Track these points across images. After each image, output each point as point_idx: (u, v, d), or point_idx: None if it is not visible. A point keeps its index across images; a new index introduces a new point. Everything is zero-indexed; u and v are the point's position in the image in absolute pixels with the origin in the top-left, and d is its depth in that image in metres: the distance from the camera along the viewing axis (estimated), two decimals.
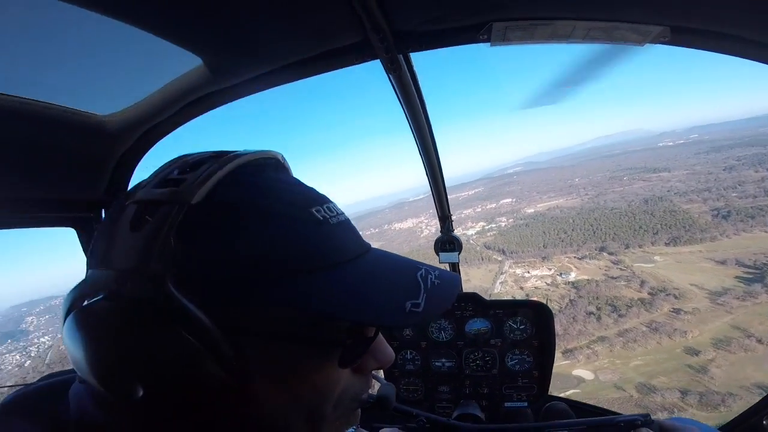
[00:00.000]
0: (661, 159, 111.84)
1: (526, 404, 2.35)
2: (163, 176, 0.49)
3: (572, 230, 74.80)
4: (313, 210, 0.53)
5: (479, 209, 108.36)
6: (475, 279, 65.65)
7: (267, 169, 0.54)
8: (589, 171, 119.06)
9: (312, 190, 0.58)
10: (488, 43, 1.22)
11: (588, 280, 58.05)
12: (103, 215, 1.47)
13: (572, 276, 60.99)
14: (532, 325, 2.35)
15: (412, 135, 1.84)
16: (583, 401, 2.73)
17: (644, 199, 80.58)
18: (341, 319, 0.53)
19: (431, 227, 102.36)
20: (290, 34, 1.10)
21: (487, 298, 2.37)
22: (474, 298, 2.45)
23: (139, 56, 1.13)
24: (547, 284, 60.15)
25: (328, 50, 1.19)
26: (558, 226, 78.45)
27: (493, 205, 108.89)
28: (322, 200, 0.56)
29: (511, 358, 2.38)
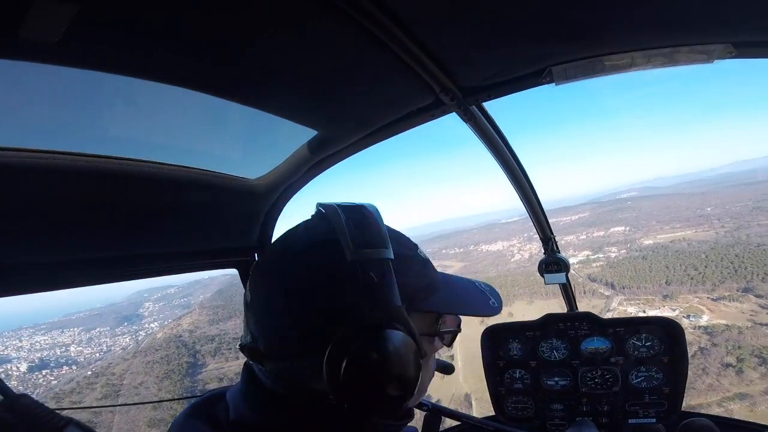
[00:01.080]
0: None
1: (654, 420, 2.29)
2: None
3: (705, 267, 62.00)
4: (419, 252, 0.84)
5: (583, 236, 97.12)
6: None
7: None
8: (725, 200, 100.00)
9: (404, 235, 0.86)
10: (553, 84, 1.35)
11: (727, 325, 47.19)
12: (256, 257, 1.85)
13: (704, 319, 50.48)
14: (660, 342, 2.31)
15: (503, 170, 1.96)
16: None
17: None
18: (462, 314, 0.89)
19: (524, 252, 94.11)
20: (377, 104, 1.39)
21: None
22: (589, 317, 2.46)
23: (274, 132, 1.53)
24: None
25: (409, 112, 1.45)
26: (686, 261, 65.69)
27: (601, 233, 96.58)
28: (415, 243, 0.86)
29: (637, 375, 2.35)
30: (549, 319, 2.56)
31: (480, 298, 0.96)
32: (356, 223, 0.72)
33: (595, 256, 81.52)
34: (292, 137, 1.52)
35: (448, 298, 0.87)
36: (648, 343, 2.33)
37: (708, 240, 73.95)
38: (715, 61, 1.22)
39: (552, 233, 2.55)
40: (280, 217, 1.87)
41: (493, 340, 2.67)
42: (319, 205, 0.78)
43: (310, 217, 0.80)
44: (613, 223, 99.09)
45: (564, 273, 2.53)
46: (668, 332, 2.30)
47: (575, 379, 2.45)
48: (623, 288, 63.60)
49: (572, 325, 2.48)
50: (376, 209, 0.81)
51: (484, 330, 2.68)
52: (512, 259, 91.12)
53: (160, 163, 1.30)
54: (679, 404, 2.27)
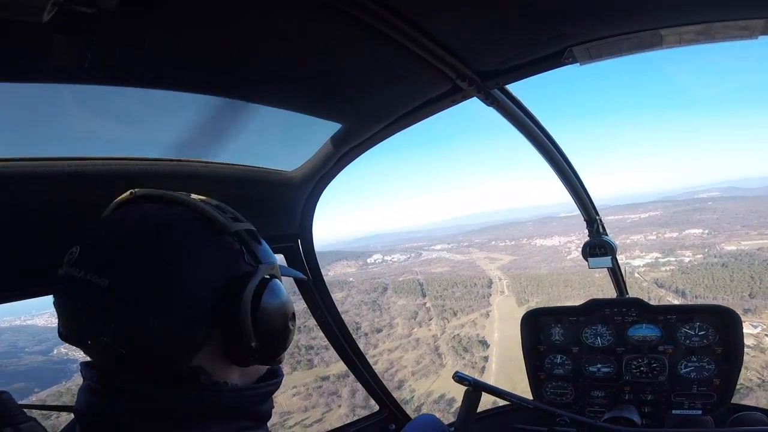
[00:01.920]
0: None
1: (700, 411, 2.24)
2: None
3: None
4: None
5: (653, 236, 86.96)
6: None
7: None
8: None
9: None
10: (578, 64, 1.31)
11: None
12: (299, 243, 2.10)
13: None
14: (715, 331, 2.26)
15: (537, 151, 1.96)
16: None
17: None
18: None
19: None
20: (394, 95, 1.47)
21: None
22: (638, 303, 2.44)
23: (305, 128, 1.66)
24: (748, 346, 42.30)
25: (428, 99, 1.51)
26: None
27: (674, 234, 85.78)
28: None
29: (686, 365, 2.31)
30: (594, 305, 2.51)
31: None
32: (214, 206, 0.84)
33: (666, 259, 72.36)
34: (320, 131, 1.66)
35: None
36: (701, 332, 2.28)
37: None
38: (760, 36, 1.16)
39: (598, 214, 2.48)
40: (318, 204, 2.01)
41: (534, 324, 2.65)
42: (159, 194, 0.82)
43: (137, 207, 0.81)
44: (690, 225, 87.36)
45: (610, 257, 2.42)
46: (724, 321, 2.24)
47: (619, 367, 2.42)
48: (696, 297, 55.37)
49: (619, 311, 2.43)
50: None
51: (525, 314, 2.69)
52: (568, 256, 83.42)
53: (206, 162, 1.48)
54: (729, 397, 2.24)
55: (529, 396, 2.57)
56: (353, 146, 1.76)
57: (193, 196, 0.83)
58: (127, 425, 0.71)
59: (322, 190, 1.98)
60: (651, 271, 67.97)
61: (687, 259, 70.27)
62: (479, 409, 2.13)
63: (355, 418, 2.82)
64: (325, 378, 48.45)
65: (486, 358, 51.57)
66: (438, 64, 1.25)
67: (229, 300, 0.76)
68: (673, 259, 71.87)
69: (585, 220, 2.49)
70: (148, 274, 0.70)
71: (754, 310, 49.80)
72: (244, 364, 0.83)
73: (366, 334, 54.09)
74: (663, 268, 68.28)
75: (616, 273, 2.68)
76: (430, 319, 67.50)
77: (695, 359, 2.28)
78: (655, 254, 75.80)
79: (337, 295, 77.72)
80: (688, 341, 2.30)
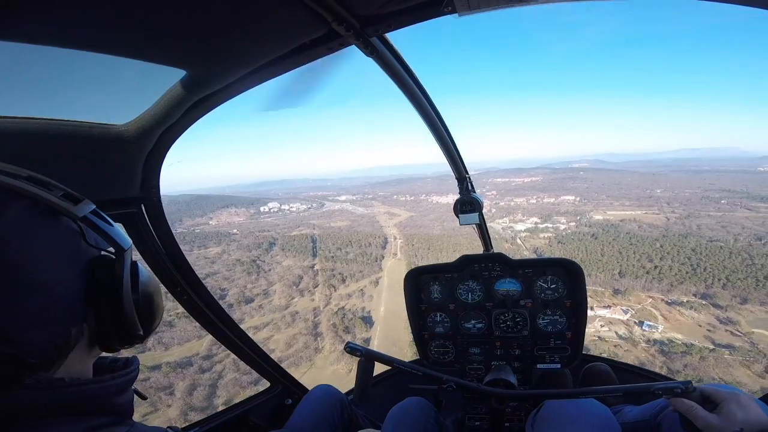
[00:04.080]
0: (764, 185, 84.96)
1: (559, 366, 2.31)
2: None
3: (660, 258, 53.86)
4: None
5: (534, 201, 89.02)
6: None
7: None
8: (674, 184, 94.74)
9: None
10: (456, 15, 1.22)
11: (685, 344, 38.44)
12: (143, 208, 1.71)
13: (658, 331, 41.57)
14: (563, 284, 2.29)
15: (413, 106, 1.83)
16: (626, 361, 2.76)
17: (757, 235, 57.28)
18: None
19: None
20: (258, 38, 1.19)
21: None
22: (501, 258, 2.41)
23: (137, 76, 1.32)
24: (619, 336, 41.23)
25: (299, 46, 1.26)
26: (640, 249, 57.52)
27: (552, 200, 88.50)
28: None
29: (543, 318, 2.34)
30: (465, 260, 2.48)
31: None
32: (35, 181, 0.68)
33: (544, 225, 73.01)
34: (158, 79, 1.35)
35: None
36: (553, 285, 2.32)
37: (658, 225, 67.07)
38: None
39: (467, 172, 2.42)
40: (164, 163, 1.69)
41: (415, 283, 2.59)
42: None
43: None
44: (564, 191, 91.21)
45: (477, 213, 2.42)
46: (570, 274, 2.27)
47: (490, 322, 2.44)
48: None
49: (486, 266, 2.44)
50: None
51: (407, 273, 2.59)
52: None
53: (13, 118, 1.20)
54: (580, 349, 2.28)
55: (416, 356, 2.74)
56: (204, 96, 1.41)
57: (10, 170, 0.65)
58: None
59: (169, 146, 1.62)
60: (531, 237, 67.92)
61: (562, 227, 71.43)
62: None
63: (247, 396, 2.50)
64: (155, 367, 36.02)
65: (368, 341, 43.42)
66: (311, 4, 1.06)
67: (102, 288, 0.70)
68: (551, 225, 72.79)
69: (456, 177, 2.43)
70: (1, 288, 0.58)
71: (624, 291, 50.19)
72: (115, 350, 0.79)
73: (231, 305, 43.11)
74: (542, 235, 68.55)
75: (482, 228, 2.66)
76: (316, 287, 59.63)
77: (550, 312, 2.33)
78: (535, 219, 77.06)
79: (211, 251, 65.76)
80: (543, 294, 2.34)
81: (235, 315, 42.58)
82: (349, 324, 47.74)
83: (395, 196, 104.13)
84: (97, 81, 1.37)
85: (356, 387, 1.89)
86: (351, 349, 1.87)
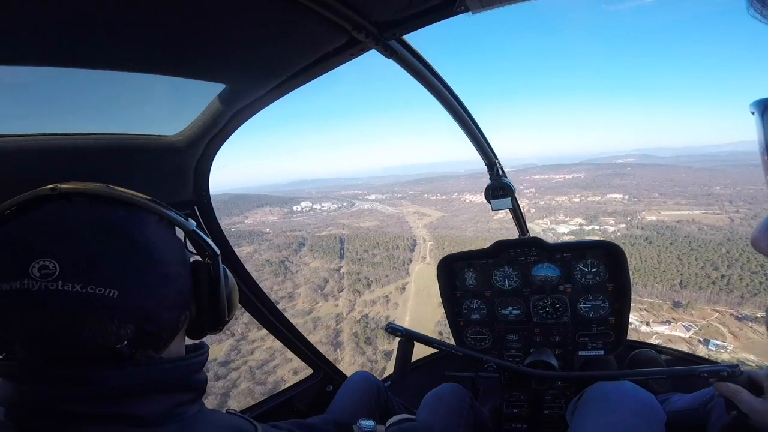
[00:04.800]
0: None
1: (602, 352, 2.24)
2: None
3: (727, 266, 46.75)
4: None
5: (577, 199, 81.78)
6: None
7: None
8: (735, 180, 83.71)
9: None
10: (470, 13, 1.25)
11: (759, 366, 31.85)
12: (197, 210, 1.86)
13: (727, 351, 35.61)
14: (605, 267, 2.22)
15: (437, 101, 1.87)
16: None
17: None
18: None
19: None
20: (285, 51, 1.29)
21: None
22: (537, 242, 2.36)
23: (184, 91, 1.47)
24: None
25: (323, 54, 1.35)
26: (703, 256, 50.29)
27: (597, 198, 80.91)
28: None
29: (584, 304, 2.27)
30: (500, 246, 2.44)
31: None
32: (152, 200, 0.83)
33: (590, 227, 66.55)
34: (202, 93, 1.49)
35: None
36: (594, 269, 2.25)
37: (722, 227, 58.91)
38: None
39: (496, 158, 2.39)
40: (212, 168, 1.84)
41: (449, 270, 2.56)
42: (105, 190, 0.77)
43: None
44: (611, 189, 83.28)
45: (510, 198, 2.39)
46: (612, 257, 2.20)
47: (528, 309, 2.39)
48: None
49: (522, 251, 2.39)
50: None
51: (441, 260, 2.57)
52: (495, 217, 75.41)
53: (76, 135, 1.31)
54: (624, 336, 2.21)
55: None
56: (244, 106, 1.56)
57: (125, 191, 0.79)
58: (70, 407, 0.67)
59: (215, 153, 1.77)
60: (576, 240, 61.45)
61: (611, 228, 64.89)
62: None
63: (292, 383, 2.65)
64: None
65: (388, 354, 39.68)
66: (332, 16, 1.13)
67: (204, 285, 0.85)
68: (597, 227, 66.17)
69: (486, 164, 2.41)
70: (149, 276, 0.72)
71: (686, 304, 43.83)
72: (201, 336, 0.92)
73: None
74: (588, 238, 61.79)
75: (516, 213, 2.60)
76: (340, 291, 56.96)
77: (591, 297, 2.25)
78: (579, 220, 70.80)
79: (244, 250, 64.22)
80: (583, 279, 2.26)
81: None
82: (371, 335, 44.50)
83: (426, 195, 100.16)
84: (149, 97, 1.51)
85: (396, 367, 1.93)
86: (392, 329, 1.91)
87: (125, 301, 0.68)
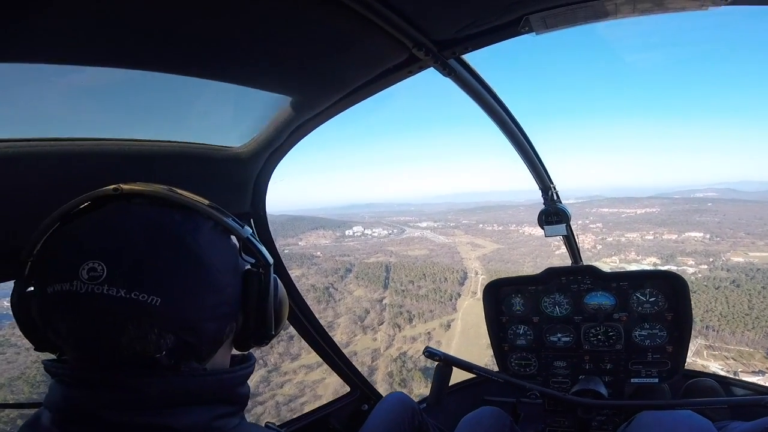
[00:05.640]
0: None
1: (657, 380, 2.19)
2: None
3: None
4: None
5: (650, 237, 73.62)
6: None
7: None
8: None
9: None
10: (534, 33, 1.25)
11: None
12: (252, 223, 1.85)
13: None
14: (664, 297, 2.18)
15: (493, 121, 1.84)
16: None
17: None
18: None
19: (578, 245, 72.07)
20: (348, 66, 1.30)
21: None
22: (591, 270, 2.33)
23: (251, 102, 1.47)
24: None
25: (385, 70, 1.36)
26: None
27: (674, 236, 71.99)
28: None
29: (640, 332, 2.22)
30: (551, 273, 2.40)
31: None
32: (219, 210, 0.80)
33: (666, 267, 57.82)
34: (268, 105, 1.48)
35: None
36: (652, 299, 2.20)
37: None
38: (710, 8, 1.12)
39: (552, 182, 2.32)
40: (270, 181, 1.82)
41: (495, 294, 2.52)
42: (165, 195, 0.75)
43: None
44: (690, 227, 73.56)
45: (564, 224, 2.31)
46: (673, 287, 2.15)
47: (578, 336, 2.32)
48: (707, 328, 41.44)
49: (575, 278, 2.33)
50: None
51: (487, 284, 2.54)
52: (557, 251, 69.52)
53: (142, 141, 1.32)
54: (681, 364, 2.15)
55: (495, 368, 2.55)
56: (305, 120, 1.55)
57: (187, 194, 0.77)
58: (110, 415, 0.66)
59: (275, 166, 1.75)
60: None
61: (690, 270, 56.57)
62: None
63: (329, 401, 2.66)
64: None
65: (423, 399, 36.55)
66: (394, 32, 1.13)
67: (253, 295, 0.79)
68: (675, 267, 57.78)
69: (540, 188, 2.34)
70: (195, 284, 0.69)
71: None
72: (247, 349, 0.88)
73: (291, 338, 38.17)
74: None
75: (570, 241, 2.58)
76: (380, 324, 53.28)
77: (648, 326, 2.21)
78: (654, 259, 63.05)
79: (293, 273, 64.34)
80: (640, 308, 2.22)
81: (294, 349, 39.46)
82: (407, 376, 41.09)
83: (481, 225, 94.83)
84: (216, 107, 1.51)
85: (432, 391, 1.94)
86: (430, 353, 1.93)
87: (168, 310, 0.65)
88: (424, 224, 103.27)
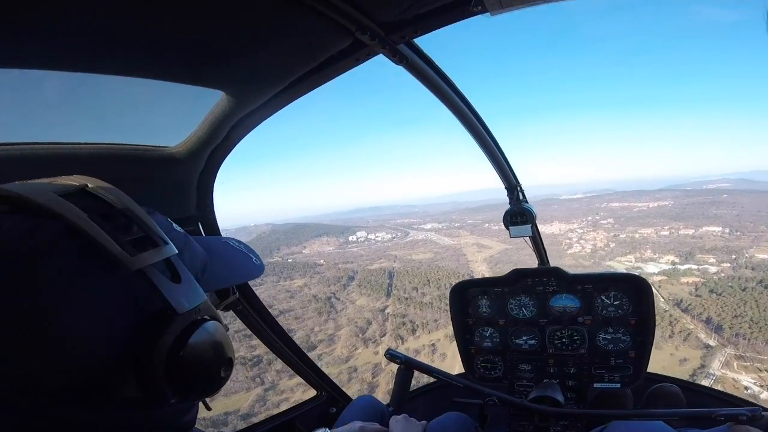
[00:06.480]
0: None
1: (619, 385, 2.19)
2: None
3: None
4: (175, 228, 0.77)
5: (666, 232, 69.95)
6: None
7: None
8: None
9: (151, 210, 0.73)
10: (488, 14, 1.14)
11: None
12: (200, 226, 1.74)
13: None
14: (629, 300, 2.17)
15: (453, 115, 1.75)
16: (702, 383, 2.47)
17: None
18: (237, 283, 0.90)
19: (586, 242, 68.38)
20: (285, 55, 1.19)
21: None
22: (557, 272, 2.29)
23: (180, 98, 1.37)
24: None
25: (328, 58, 1.25)
26: None
27: (690, 231, 68.01)
28: (168, 220, 0.77)
29: (604, 336, 2.21)
30: (517, 274, 2.39)
31: (244, 259, 0.86)
32: (108, 217, 0.59)
33: (686, 266, 54.72)
34: (201, 101, 1.38)
35: (220, 271, 0.78)
36: (616, 302, 2.19)
37: None
38: None
39: (518, 181, 2.30)
40: (216, 182, 1.73)
41: (462, 297, 2.52)
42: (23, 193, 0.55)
43: None
44: (706, 220, 68.90)
45: (530, 225, 2.31)
46: (637, 290, 2.15)
47: (543, 339, 2.32)
48: (737, 336, 37.62)
49: (540, 281, 2.32)
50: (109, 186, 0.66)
51: (453, 286, 2.52)
52: (569, 250, 66.09)
53: (71, 144, 1.23)
54: (643, 369, 2.16)
55: (461, 370, 2.61)
56: (245, 115, 1.43)
57: (73, 186, 0.61)
58: None
59: (219, 165, 1.65)
60: (669, 283, 49.88)
61: (712, 269, 52.97)
62: (414, 387, 2.02)
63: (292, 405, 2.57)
64: None
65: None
66: (332, 14, 1.03)
67: (138, 349, 0.58)
68: (695, 266, 54.33)
69: (506, 187, 2.31)
70: (18, 338, 0.51)
71: None
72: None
73: None
74: (683, 279, 50.15)
75: (536, 241, 2.54)
76: (382, 336, 49.84)
77: (612, 330, 2.19)
78: (671, 257, 59.41)
79: (295, 283, 61.22)
80: (604, 311, 2.20)
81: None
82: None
83: (487, 225, 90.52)
84: (145, 105, 1.40)
85: (393, 394, 1.91)
86: (391, 355, 1.88)
87: None
88: (429, 226, 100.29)
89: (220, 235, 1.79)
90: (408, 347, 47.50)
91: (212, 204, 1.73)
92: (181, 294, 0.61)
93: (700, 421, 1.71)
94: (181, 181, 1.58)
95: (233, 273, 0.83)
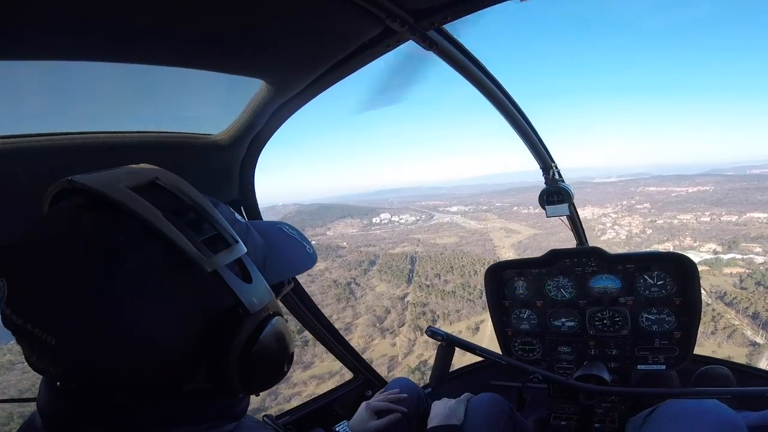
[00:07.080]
0: None
1: (664, 367, 2.13)
2: None
3: None
4: (239, 218, 0.79)
5: (706, 218, 65.46)
6: None
7: None
8: None
9: (218, 201, 0.77)
10: (518, 0, 1.17)
11: None
12: (243, 210, 1.81)
13: None
14: (673, 280, 2.09)
15: (485, 99, 1.77)
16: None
17: None
18: (296, 275, 0.92)
19: (621, 227, 64.68)
20: (318, 44, 1.24)
21: None
22: (597, 252, 2.24)
23: (224, 87, 1.45)
24: None
25: (360, 46, 1.28)
26: None
27: (733, 218, 63.49)
28: (230, 209, 0.80)
29: (647, 317, 2.16)
30: (555, 255, 2.33)
31: (299, 250, 0.87)
32: (180, 213, 0.61)
33: (729, 255, 50.69)
34: (242, 90, 1.44)
35: (279, 264, 0.80)
36: (660, 282, 2.12)
37: None
38: None
39: (553, 161, 2.24)
40: (257, 168, 1.80)
41: (498, 278, 2.48)
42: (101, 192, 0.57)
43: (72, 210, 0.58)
44: (751, 206, 63.59)
45: (567, 204, 2.26)
46: (681, 270, 2.07)
47: (583, 321, 2.27)
48: None
49: (579, 261, 2.25)
50: (182, 180, 0.68)
51: (488, 268, 2.48)
52: (602, 236, 62.52)
53: (119, 133, 1.30)
54: (690, 351, 2.09)
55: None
56: (283, 103, 1.49)
57: (136, 199, 0.58)
58: (89, 429, 0.60)
59: (259, 152, 1.73)
60: (712, 273, 46.18)
61: (759, 259, 49.04)
62: (452, 368, 2.02)
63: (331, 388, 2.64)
64: None
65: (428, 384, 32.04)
66: (364, 3, 1.06)
67: (212, 347, 0.62)
68: (739, 256, 50.33)
69: (541, 167, 2.27)
70: (100, 334, 0.54)
71: None
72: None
73: (306, 343, 34.06)
74: (726, 270, 46.58)
75: (574, 221, 2.47)
76: (401, 326, 47.96)
77: (655, 311, 2.13)
78: (713, 245, 55.58)
79: (317, 267, 61.55)
80: (647, 292, 2.14)
81: (306, 357, 36.04)
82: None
83: (515, 208, 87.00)
84: (190, 95, 1.48)
85: (433, 372, 1.87)
86: (432, 333, 1.85)
87: (64, 354, 0.55)
88: (455, 208, 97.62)
89: (261, 218, 1.84)
90: (427, 340, 43.93)
91: (254, 189, 1.79)
92: (252, 294, 0.64)
93: (756, 401, 1.64)
94: (225, 167, 1.64)
95: (290, 266, 0.84)
